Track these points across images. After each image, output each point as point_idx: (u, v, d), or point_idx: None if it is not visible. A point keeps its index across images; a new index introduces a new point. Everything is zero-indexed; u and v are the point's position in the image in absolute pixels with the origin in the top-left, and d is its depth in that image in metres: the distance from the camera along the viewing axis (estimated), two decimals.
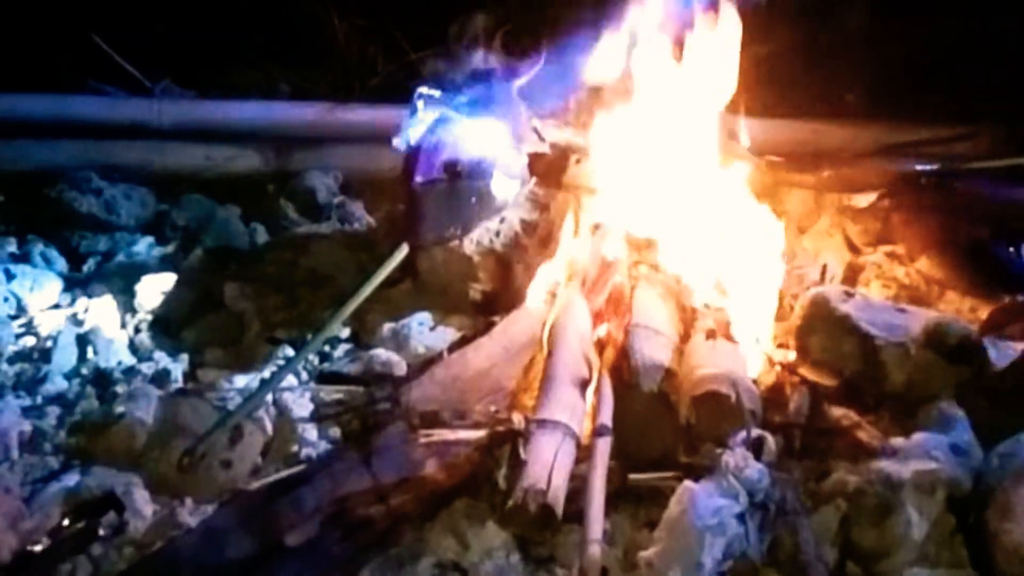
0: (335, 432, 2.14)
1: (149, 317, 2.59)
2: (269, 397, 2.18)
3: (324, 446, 2.11)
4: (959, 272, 2.48)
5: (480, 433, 1.93)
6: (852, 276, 2.63)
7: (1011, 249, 2.26)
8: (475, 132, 2.57)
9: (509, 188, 2.53)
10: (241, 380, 2.31)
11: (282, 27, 3.94)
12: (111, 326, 2.53)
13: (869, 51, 3.54)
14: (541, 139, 2.69)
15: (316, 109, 3.55)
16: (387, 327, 2.51)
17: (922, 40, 3.44)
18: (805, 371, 2.17)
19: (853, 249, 2.74)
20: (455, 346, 2.30)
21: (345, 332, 2.51)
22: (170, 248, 2.97)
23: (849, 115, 3.50)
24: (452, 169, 2.48)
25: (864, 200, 2.79)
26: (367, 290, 2.38)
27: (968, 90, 3.31)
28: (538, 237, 2.55)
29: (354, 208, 3.24)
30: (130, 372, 2.33)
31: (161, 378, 2.30)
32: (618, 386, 2.06)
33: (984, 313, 2.41)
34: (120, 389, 2.24)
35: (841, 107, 3.54)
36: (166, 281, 2.70)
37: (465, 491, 1.90)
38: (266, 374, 2.33)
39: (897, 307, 2.23)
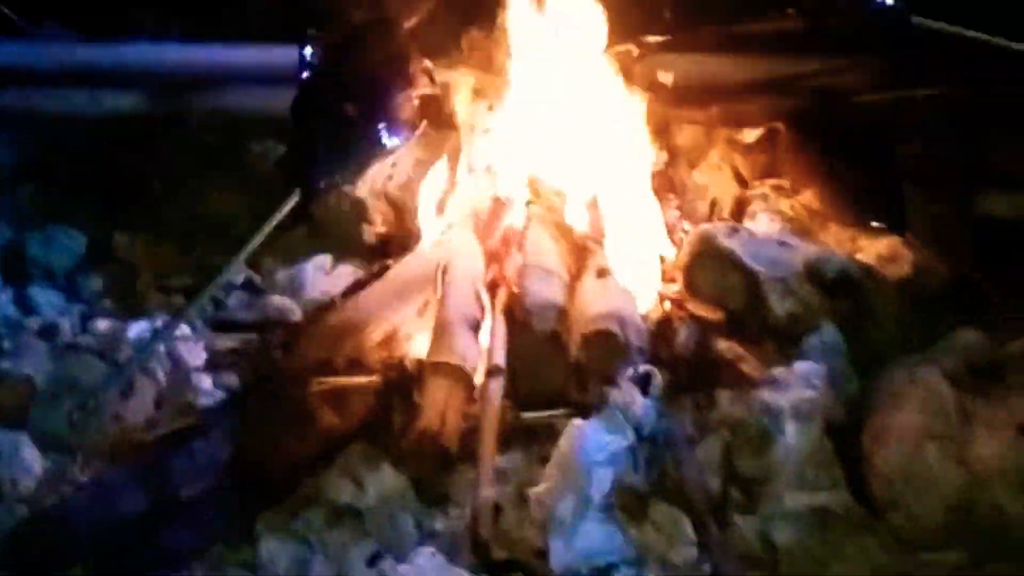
0: (230, 380, 2.13)
1: (36, 269, 2.51)
2: (162, 347, 2.15)
3: (219, 395, 2.09)
4: (840, 203, 2.53)
5: (374, 378, 1.93)
6: (740, 209, 2.66)
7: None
8: (365, 74, 2.53)
9: (401, 130, 2.49)
10: (134, 331, 2.27)
11: None
12: None
13: None
14: (432, 80, 2.66)
15: (208, 50, 3.43)
16: (282, 273, 2.50)
17: None
18: (692, 306, 2.20)
19: (741, 182, 2.77)
20: (349, 291, 2.29)
21: (240, 279, 2.48)
22: (57, 196, 2.88)
23: (739, 48, 3.50)
24: (342, 112, 2.44)
25: (752, 134, 2.81)
26: (259, 237, 2.34)
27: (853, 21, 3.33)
28: (431, 179, 2.53)
29: (247, 152, 3.16)
30: (16, 327, 2.26)
31: (50, 332, 2.25)
32: (512, 327, 2.08)
33: (865, 243, 2.47)
34: (6, 344, 2.18)
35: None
36: (54, 231, 2.62)
37: (361, 436, 1.91)
38: (159, 324, 2.29)
39: (780, 241, 2.28)
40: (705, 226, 2.35)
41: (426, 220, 2.42)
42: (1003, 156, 2.80)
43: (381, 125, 2.45)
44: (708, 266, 2.25)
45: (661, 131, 2.87)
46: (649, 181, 2.58)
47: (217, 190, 2.91)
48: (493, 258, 2.28)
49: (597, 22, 2.58)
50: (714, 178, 2.75)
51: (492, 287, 2.20)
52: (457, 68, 2.87)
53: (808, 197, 2.59)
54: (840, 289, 2.13)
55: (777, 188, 2.67)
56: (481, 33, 2.90)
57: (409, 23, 2.76)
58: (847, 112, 2.84)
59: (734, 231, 2.29)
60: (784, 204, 2.62)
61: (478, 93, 2.74)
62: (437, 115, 2.64)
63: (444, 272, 2.19)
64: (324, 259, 2.52)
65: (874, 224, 2.46)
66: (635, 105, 2.63)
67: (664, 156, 2.75)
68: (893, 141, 2.75)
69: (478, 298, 2.13)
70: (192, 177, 3.02)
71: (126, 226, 2.69)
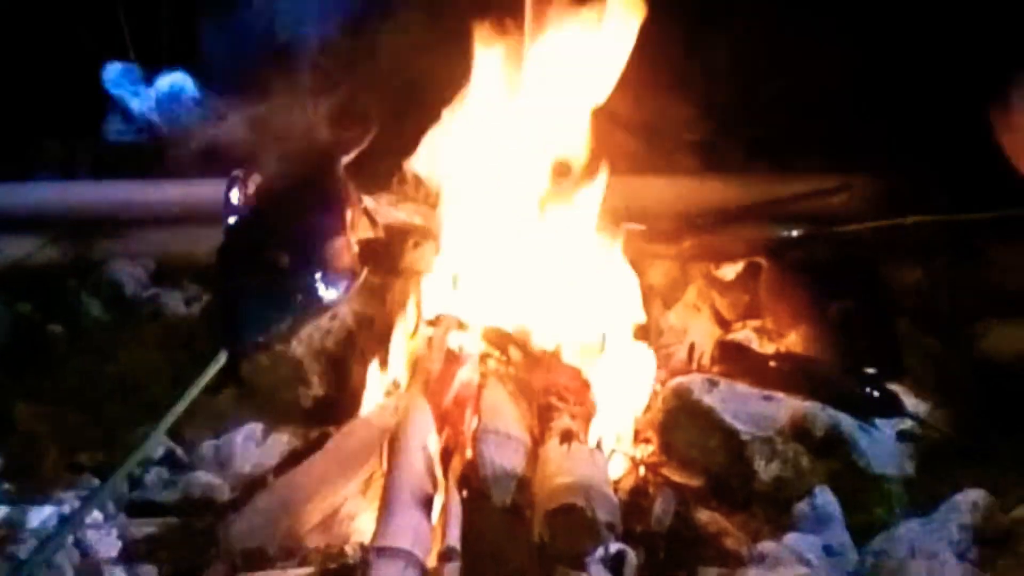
0: (147, 573, 2.15)
1: None
2: (70, 537, 2.17)
3: None
4: (829, 348, 2.62)
5: (311, 570, 1.97)
6: (721, 355, 2.75)
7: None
8: (298, 218, 2.63)
9: (339, 280, 2.58)
10: (37, 518, 2.29)
11: (78, 91, 3.92)
12: None
13: (740, 96, 3.71)
14: (373, 223, 2.76)
15: (122, 188, 3.54)
16: (208, 444, 2.53)
17: (798, 85, 3.62)
18: (669, 471, 2.28)
19: (722, 324, 2.87)
20: (283, 466, 2.34)
21: (159, 452, 2.52)
22: None
23: (718, 168, 3.65)
24: (273, 261, 2.52)
25: (731, 271, 2.93)
26: (181, 405, 2.39)
27: (844, 138, 3.49)
28: (375, 333, 2.61)
29: (169, 301, 3.23)
30: None
31: None
32: (468, 500, 2.13)
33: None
34: None
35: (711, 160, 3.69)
36: None
37: None
38: (67, 508, 2.32)
39: (764, 395, 2.36)
40: (681, 380, 2.43)
41: (370, 380, 2.49)
42: (1004, 282, 2.96)
43: (317, 275, 2.53)
44: (686, 425, 2.34)
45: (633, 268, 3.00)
46: (620, 327, 2.67)
47: (132, 347, 2.96)
48: (446, 421, 2.33)
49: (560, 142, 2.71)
50: (692, 320, 2.85)
51: (445, 455, 2.26)
52: (402, 205, 2.99)
53: (794, 340, 2.69)
54: (831, 448, 2.21)
55: (760, 330, 2.76)
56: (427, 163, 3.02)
57: (346, 158, 2.88)
58: (835, 242, 2.99)
59: (713, 384, 2.38)
60: (769, 349, 2.72)
61: (426, 233, 2.85)
62: (380, 261, 2.74)
63: (391, 440, 2.24)
64: (255, 427, 2.56)
65: (868, 370, 2.55)
66: (603, 241, 2.74)
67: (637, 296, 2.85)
68: (886, 273, 2.89)
69: (429, 469, 2.18)
70: (104, 332, 3.09)
71: (30, 393, 2.72)
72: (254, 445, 2.52)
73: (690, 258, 3.03)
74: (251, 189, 2.66)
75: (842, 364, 2.55)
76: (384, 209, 2.90)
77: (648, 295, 2.92)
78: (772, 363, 2.55)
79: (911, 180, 3.20)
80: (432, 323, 2.56)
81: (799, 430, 2.22)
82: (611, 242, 2.74)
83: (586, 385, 2.42)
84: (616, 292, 2.71)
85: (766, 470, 2.22)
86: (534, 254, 2.65)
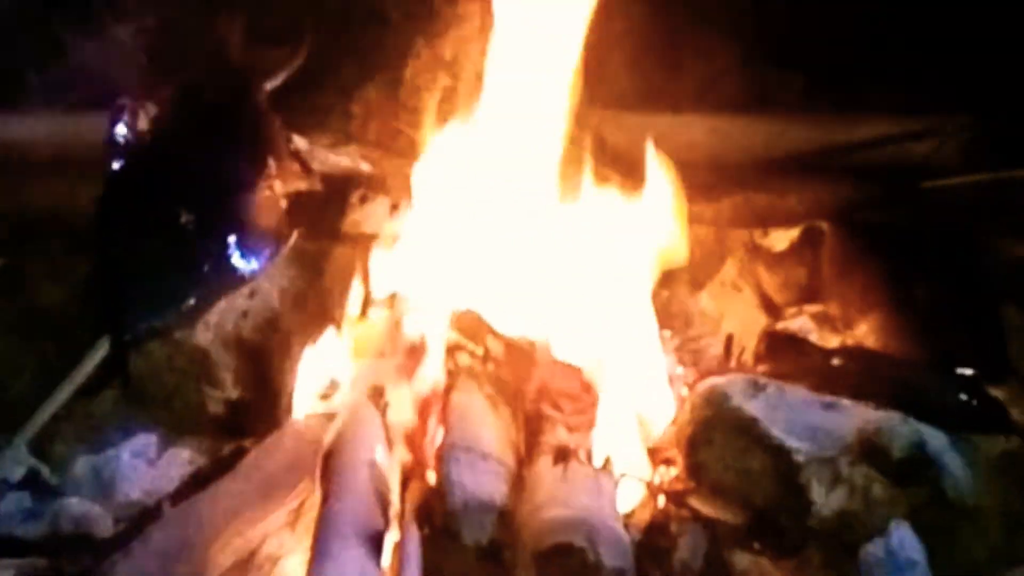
0: None
1: None
2: None
3: None
4: (913, 341, 2.63)
5: None
6: (769, 350, 2.76)
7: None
8: (207, 163, 2.63)
9: (260, 245, 2.58)
10: None
11: None
12: None
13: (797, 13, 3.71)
14: (307, 169, 2.75)
15: None
16: (84, 461, 2.54)
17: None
18: (698, 502, 2.28)
19: (770, 309, 2.87)
20: (184, 491, 2.33)
21: (19, 472, 2.52)
22: None
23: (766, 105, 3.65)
24: (172, 218, 2.52)
25: (783, 238, 2.93)
26: (49, 410, 2.39)
27: (933, 67, 3.49)
28: (308, 315, 2.61)
29: (32, 272, 3.23)
30: None
31: None
32: (430, 539, 2.13)
33: None
34: None
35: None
36: None
37: None
38: None
39: (825, 402, 2.36)
40: (716, 382, 2.43)
41: (300, 378, 2.49)
42: None
43: (231, 238, 2.53)
44: (721, 441, 2.34)
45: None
46: (632, 311, 2.68)
47: None
48: (402, 435, 2.34)
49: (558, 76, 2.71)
50: (730, 303, 2.85)
51: (401, 479, 2.26)
52: (345, 147, 2.99)
53: (865, 331, 2.70)
54: (914, 473, 2.21)
55: (820, 318, 2.77)
56: (381, 94, 3.02)
57: (272, 83, 2.87)
58: (921, 202, 2.99)
59: (759, 388, 2.38)
60: (832, 342, 2.72)
61: (377, 184, 2.85)
62: (315, 220, 2.73)
63: (327, 457, 2.24)
64: (147, 440, 2.57)
65: (963, 371, 2.56)
66: (611, 198, 2.74)
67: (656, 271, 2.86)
68: (988, 245, 2.90)
69: (379, 497, 2.18)
70: None
71: None
72: (145, 464, 2.53)
73: (730, 221, 3.03)
74: (143, 123, 2.65)
75: (929, 363, 2.55)
76: (321, 153, 2.89)
77: (673, 271, 2.93)
78: (836, 360, 2.56)
79: (1021, 122, 3.20)
80: (385, 304, 2.56)
81: (871, 449, 2.23)
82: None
83: (588, 388, 2.43)
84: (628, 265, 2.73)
85: (827, 501, 2.22)
86: (522, 216, 2.65)
